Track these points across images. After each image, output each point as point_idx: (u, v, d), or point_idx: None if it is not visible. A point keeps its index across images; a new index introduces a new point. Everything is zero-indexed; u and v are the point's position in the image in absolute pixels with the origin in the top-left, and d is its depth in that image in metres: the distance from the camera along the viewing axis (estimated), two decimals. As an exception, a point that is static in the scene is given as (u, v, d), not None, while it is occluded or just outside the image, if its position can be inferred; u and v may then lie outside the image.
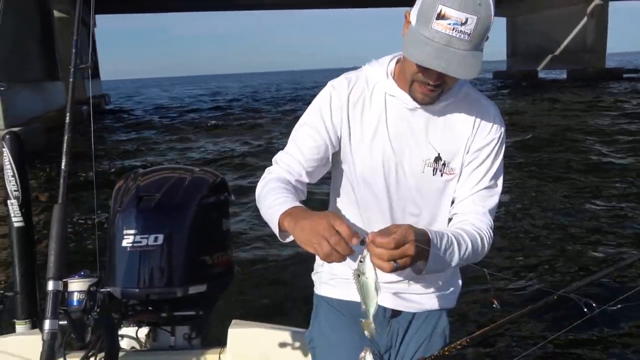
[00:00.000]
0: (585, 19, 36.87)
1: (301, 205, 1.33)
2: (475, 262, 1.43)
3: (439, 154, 1.47)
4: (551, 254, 5.42)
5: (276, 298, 4.51)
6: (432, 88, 1.37)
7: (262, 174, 1.52)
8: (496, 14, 1.27)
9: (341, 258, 1.16)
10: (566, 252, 5.44)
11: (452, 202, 1.53)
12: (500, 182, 1.53)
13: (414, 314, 1.64)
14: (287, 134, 1.57)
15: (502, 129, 1.52)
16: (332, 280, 1.67)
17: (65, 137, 1.52)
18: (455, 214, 1.51)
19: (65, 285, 1.61)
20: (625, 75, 37.92)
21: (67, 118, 1.57)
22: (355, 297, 1.60)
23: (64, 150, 1.53)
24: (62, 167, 1.52)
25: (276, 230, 1.34)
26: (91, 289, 1.67)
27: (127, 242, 2.01)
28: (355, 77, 1.53)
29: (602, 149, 10.83)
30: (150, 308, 2.07)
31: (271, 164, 1.55)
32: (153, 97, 48.36)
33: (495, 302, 1.48)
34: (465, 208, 1.49)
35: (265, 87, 62.08)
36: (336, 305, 1.66)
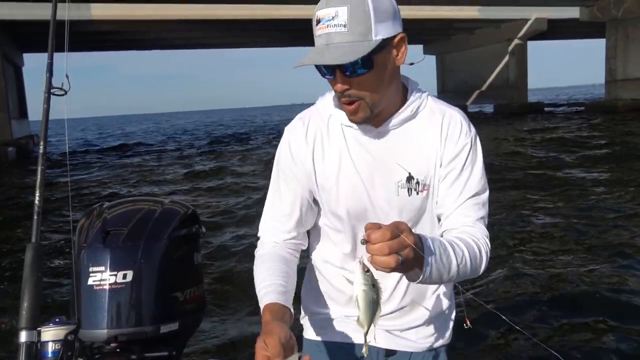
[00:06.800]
0: (507, 57, 39.26)
1: (276, 302, 1.30)
2: (475, 276, 1.35)
3: (409, 173, 1.39)
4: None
5: (252, 331, 4.29)
6: (347, 101, 1.32)
7: None
8: (426, 52, 1.29)
9: None
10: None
11: (439, 220, 1.44)
12: (485, 188, 1.43)
13: (411, 353, 1.54)
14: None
15: (473, 133, 1.43)
16: (323, 322, 1.58)
17: (39, 169, 1.39)
18: (444, 231, 1.39)
19: (39, 334, 1.45)
20: (546, 109, 40.46)
21: (42, 148, 1.44)
22: (350, 339, 1.53)
23: (37, 183, 1.39)
24: (36, 201, 1.39)
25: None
26: (68, 337, 1.51)
27: (93, 280, 1.86)
28: (309, 115, 1.48)
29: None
30: (118, 350, 1.93)
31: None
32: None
33: (468, 322, 1.47)
34: (454, 222, 1.38)
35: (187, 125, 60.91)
36: (329, 349, 1.57)
